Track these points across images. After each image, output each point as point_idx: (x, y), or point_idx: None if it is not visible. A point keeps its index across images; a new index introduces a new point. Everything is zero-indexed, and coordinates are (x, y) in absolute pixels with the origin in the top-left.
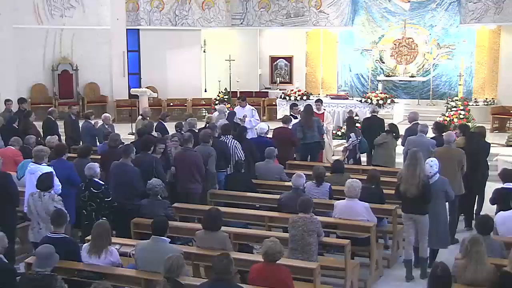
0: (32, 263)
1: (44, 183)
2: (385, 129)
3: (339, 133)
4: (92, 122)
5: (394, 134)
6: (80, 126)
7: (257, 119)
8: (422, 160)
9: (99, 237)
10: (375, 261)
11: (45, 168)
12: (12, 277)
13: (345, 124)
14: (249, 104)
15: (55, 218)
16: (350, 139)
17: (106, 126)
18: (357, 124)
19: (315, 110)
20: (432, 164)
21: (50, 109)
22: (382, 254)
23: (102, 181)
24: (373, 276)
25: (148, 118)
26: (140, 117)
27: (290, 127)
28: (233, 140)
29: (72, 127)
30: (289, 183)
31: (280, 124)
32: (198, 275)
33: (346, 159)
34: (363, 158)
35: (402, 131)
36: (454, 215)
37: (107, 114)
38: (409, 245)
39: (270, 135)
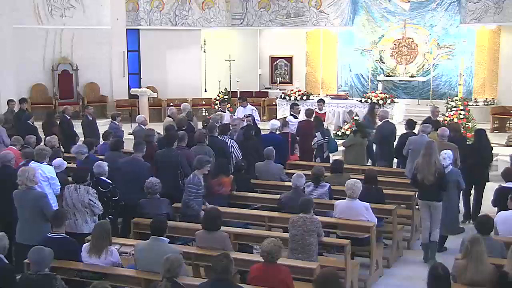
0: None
1: (79, 175)
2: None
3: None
4: (117, 123)
5: (361, 134)
6: (108, 127)
7: (258, 119)
8: (436, 150)
9: (99, 237)
10: (375, 261)
11: (46, 168)
12: (12, 277)
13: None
14: (249, 104)
15: (55, 218)
16: (316, 139)
17: (143, 127)
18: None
19: (316, 110)
20: (445, 157)
21: (64, 108)
22: (382, 254)
23: (109, 180)
24: (373, 276)
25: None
26: (168, 118)
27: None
28: (230, 139)
29: (89, 128)
30: (289, 183)
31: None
32: (198, 275)
33: (313, 157)
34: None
35: (399, 132)
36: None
37: (143, 116)
38: (426, 230)
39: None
